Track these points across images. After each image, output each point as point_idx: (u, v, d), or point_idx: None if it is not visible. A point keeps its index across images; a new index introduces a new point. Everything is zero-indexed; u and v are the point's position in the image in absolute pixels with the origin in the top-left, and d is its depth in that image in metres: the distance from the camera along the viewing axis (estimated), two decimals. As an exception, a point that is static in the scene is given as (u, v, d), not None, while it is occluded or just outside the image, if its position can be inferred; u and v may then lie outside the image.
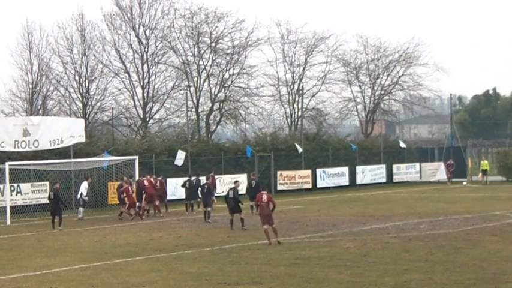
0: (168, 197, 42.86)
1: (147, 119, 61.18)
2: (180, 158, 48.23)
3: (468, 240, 26.75)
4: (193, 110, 62.08)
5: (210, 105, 63.49)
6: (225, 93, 64.03)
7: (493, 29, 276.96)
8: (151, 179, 40.07)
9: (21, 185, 40.60)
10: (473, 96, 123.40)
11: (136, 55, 60.51)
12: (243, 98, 65.07)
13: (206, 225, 34.34)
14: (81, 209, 38.43)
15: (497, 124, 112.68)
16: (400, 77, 71.50)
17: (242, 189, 38.67)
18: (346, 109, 72.39)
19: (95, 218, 39.06)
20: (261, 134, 61.53)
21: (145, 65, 60.57)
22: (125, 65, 60.63)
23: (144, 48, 60.47)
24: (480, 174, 60.06)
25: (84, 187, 38.73)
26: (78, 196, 38.78)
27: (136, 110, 61.33)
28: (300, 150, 55.54)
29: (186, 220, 36.79)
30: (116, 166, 43.91)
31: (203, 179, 39.31)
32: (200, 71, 62.84)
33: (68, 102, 58.56)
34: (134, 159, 42.70)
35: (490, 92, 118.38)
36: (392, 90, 72.36)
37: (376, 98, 71.56)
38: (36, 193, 41.41)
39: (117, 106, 61.17)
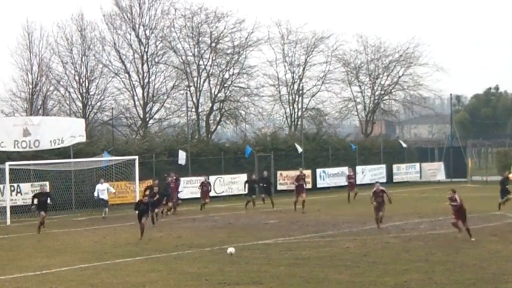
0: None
1: (147, 119, 61.15)
2: (181, 157, 48.24)
3: (468, 240, 26.74)
4: (193, 110, 62.05)
5: (210, 105, 63.48)
6: (225, 93, 64.01)
7: (493, 29, 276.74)
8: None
9: (21, 185, 40.58)
10: (473, 96, 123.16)
11: (136, 55, 60.52)
12: (243, 98, 65.09)
13: (206, 225, 34.34)
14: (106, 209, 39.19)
15: (497, 124, 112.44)
16: (400, 77, 71.54)
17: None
18: (346, 109, 72.43)
19: (95, 218, 39.04)
20: (261, 134, 61.49)
21: (145, 65, 60.56)
22: (124, 65, 60.63)
23: (144, 48, 60.47)
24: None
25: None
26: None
27: (136, 110, 61.32)
28: (300, 150, 55.51)
29: (186, 220, 36.78)
30: (115, 166, 43.91)
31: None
32: (200, 71, 62.83)
33: (68, 102, 58.54)
34: (134, 159, 42.70)
35: (492, 90, 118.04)
36: (393, 90, 72.40)
37: (376, 98, 71.57)
38: (36, 193, 41.37)
39: (117, 106, 61.19)
